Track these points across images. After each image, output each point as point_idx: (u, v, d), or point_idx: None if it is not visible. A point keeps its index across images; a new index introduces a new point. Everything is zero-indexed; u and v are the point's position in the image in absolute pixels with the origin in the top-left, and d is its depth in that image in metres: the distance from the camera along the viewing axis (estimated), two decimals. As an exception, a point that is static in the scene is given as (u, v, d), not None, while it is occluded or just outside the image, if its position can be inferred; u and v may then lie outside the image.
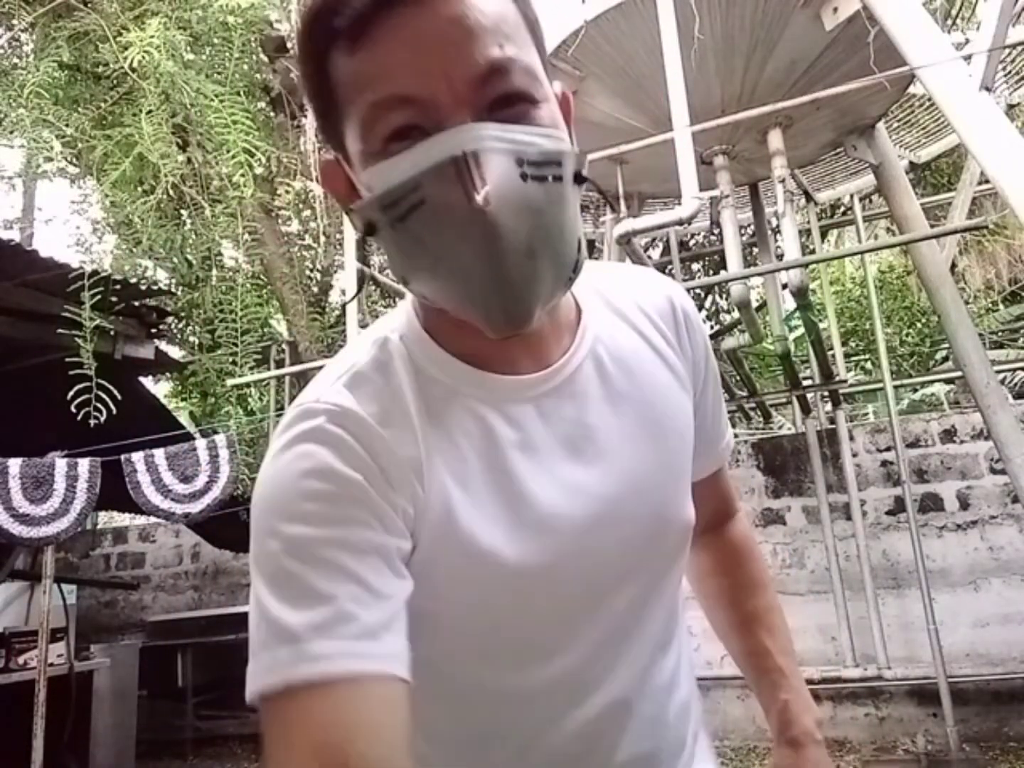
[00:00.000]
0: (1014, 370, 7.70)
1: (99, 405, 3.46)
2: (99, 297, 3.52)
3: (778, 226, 5.10)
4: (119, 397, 3.51)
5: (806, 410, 4.89)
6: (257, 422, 5.89)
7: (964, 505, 4.37)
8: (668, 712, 0.68)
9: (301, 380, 5.43)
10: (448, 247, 0.51)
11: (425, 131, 0.50)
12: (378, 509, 0.53)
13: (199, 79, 4.26)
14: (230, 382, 4.39)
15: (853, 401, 8.82)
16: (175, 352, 6.36)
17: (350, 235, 3.55)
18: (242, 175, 4.05)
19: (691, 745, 0.72)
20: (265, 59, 5.60)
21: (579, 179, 0.55)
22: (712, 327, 9.71)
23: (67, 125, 4.42)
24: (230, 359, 4.33)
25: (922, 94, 4.23)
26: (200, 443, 3.85)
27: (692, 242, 9.21)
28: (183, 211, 5.37)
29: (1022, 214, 2.49)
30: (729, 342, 4.64)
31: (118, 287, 3.70)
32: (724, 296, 9.84)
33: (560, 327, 0.64)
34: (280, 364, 5.68)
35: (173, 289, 5.75)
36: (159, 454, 3.72)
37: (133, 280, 3.95)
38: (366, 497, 0.53)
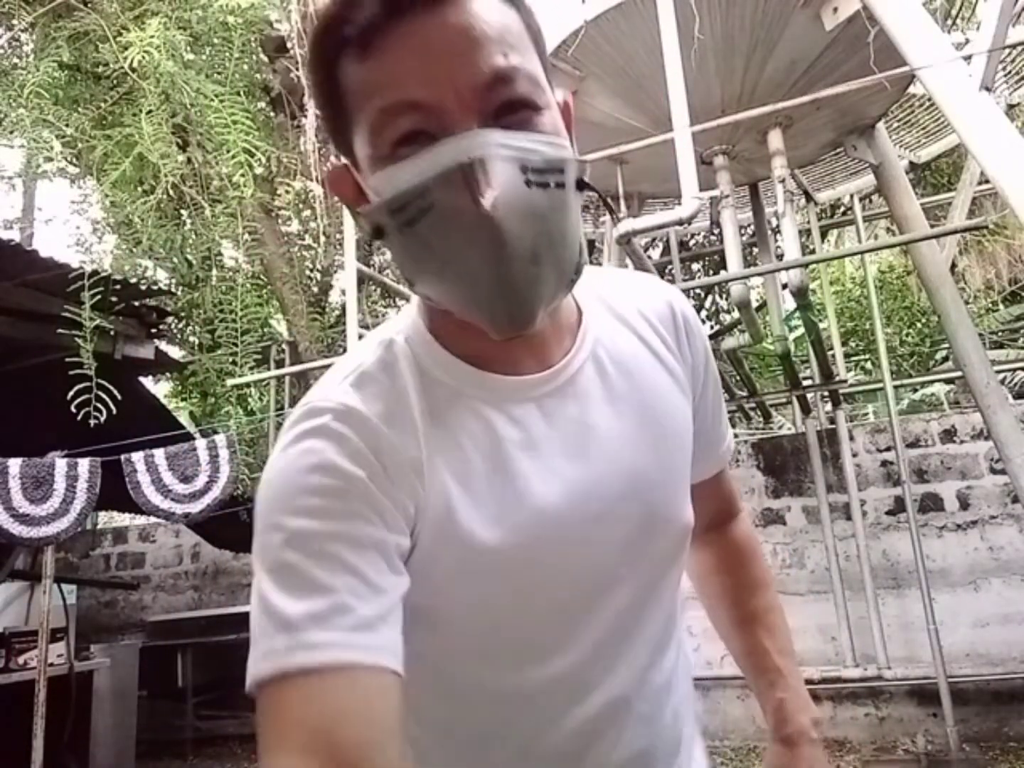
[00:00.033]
0: (1014, 370, 7.70)
1: (99, 405, 3.46)
2: (99, 297, 3.52)
3: (778, 226, 5.10)
4: (119, 397, 3.51)
5: (806, 410, 4.89)
6: (257, 422, 5.89)
7: (964, 505, 4.38)
8: (665, 712, 0.69)
9: (301, 380, 5.43)
10: (455, 251, 0.53)
11: (432, 136, 0.52)
12: (379, 506, 0.55)
13: (199, 79, 4.26)
14: (230, 382, 4.39)
15: (853, 401, 8.82)
16: (175, 352, 6.36)
17: (350, 235, 3.55)
18: (242, 175, 4.05)
19: (687, 746, 0.73)
20: (265, 59, 5.60)
21: (581, 185, 0.57)
22: (712, 327, 9.72)
23: (67, 125, 4.42)
24: (230, 359, 4.33)
25: (922, 94, 4.23)
26: (200, 443, 3.85)
27: (692, 242, 9.21)
28: (183, 211, 5.37)
29: (1022, 214, 2.49)
30: (729, 342, 4.65)
31: (118, 287, 3.69)
32: (724, 296, 9.85)
33: (561, 329, 0.65)
34: (280, 364, 5.68)
35: (173, 289, 5.76)
36: (159, 454, 3.72)
37: (133, 280, 3.95)
38: (368, 493, 0.54)
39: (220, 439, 3.87)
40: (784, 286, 5.07)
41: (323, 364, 4.36)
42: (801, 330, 6.89)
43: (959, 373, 4.43)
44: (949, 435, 4.52)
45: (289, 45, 5.02)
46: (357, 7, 0.52)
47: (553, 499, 0.60)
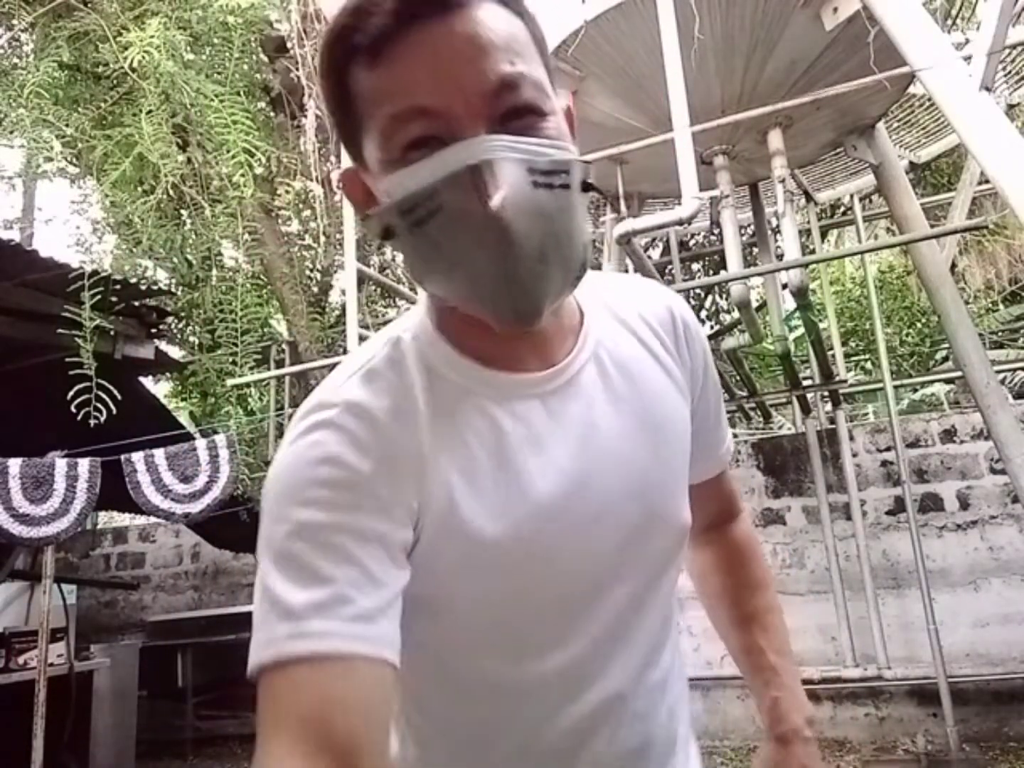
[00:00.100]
0: (1014, 370, 7.70)
1: (99, 405, 3.46)
2: (99, 297, 3.52)
3: (778, 226, 5.10)
4: (119, 397, 3.51)
5: (806, 410, 4.89)
6: (257, 422, 5.89)
7: (964, 505, 4.38)
8: (660, 711, 0.70)
9: (301, 380, 5.43)
10: (464, 250, 0.55)
11: (441, 141, 0.54)
12: (385, 499, 0.56)
13: (199, 79, 4.26)
14: (230, 382, 4.39)
15: (853, 401, 8.82)
16: (175, 352, 6.36)
17: (350, 235, 3.55)
18: (242, 175, 4.05)
19: (683, 746, 0.74)
20: (265, 59, 5.60)
21: (585, 187, 0.59)
22: (712, 327, 9.71)
23: (67, 125, 4.42)
24: (230, 359, 4.34)
25: (922, 94, 4.23)
26: (200, 443, 3.85)
27: (692, 242, 9.20)
28: (183, 211, 5.37)
29: (1022, 214, 2.49)
30: (729, 342, 4.64)
31: (118, 287, 3.69)
32: (724, 296, 9.84)
33: (564, 329, 0.67)
34: (280, 364, 5.68)
35: (173, 289, 5.75)
36: (159, 454, 3.72)
37: (133, 280, 3.95)
38: (374, 487, 0.56)
39: (220, 439, 3.87)
40: (784, 286, 5.07)
41: (323, 364, 4.36)
42: (801, 330, 6.89)
43: (959, 373, 4.43)
44: (949, 435, 4.52)
45: (289, 45, 5.01)
46: (368, 16, 0.54)
47: (556, 495, 0.61)
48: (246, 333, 4.32)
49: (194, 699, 5.12)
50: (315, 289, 6.84)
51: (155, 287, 4.17)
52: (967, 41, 3.59)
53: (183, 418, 7.78)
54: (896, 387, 6.03)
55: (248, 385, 7.14)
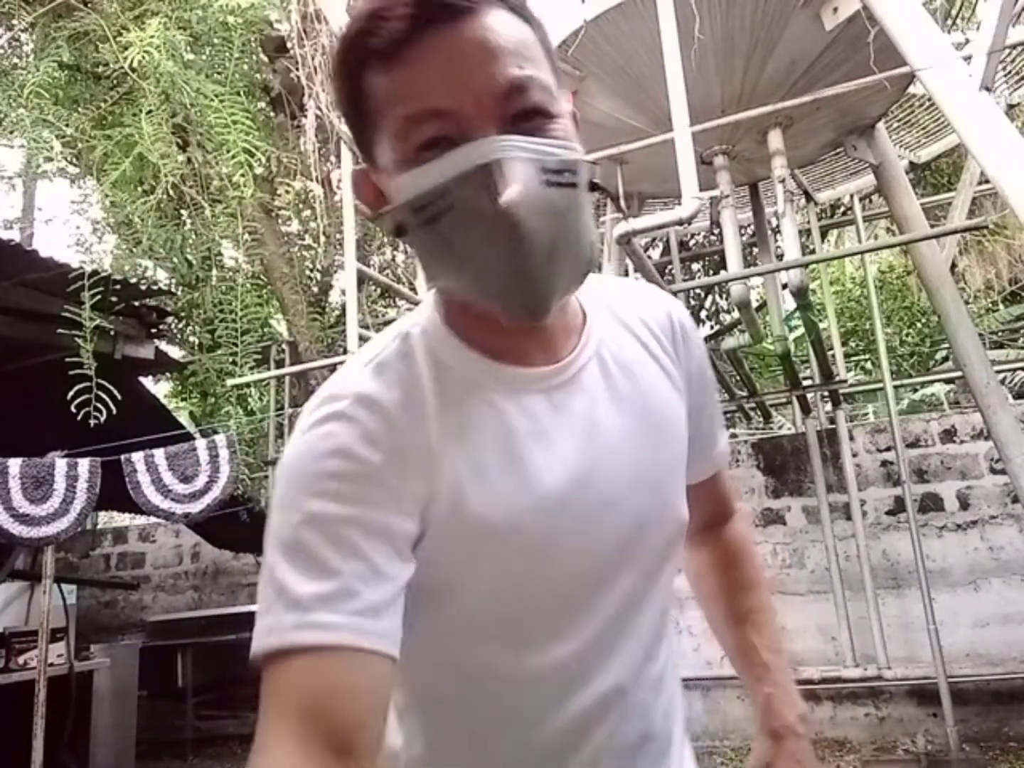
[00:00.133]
0: (1014, 370, 7.70)
1: (99, 405, 3.46)
2: (99, 297, 3.52)
3: (778, 226, 5.10)
4: (119, 397, 3.51)
5: (806, 410, 4.89)
6: (257, 422, 5.90)
7: (964, 505, 4.38)
8: (657, 708, 0.71)
9: (301, 380, 5.44)
10: (475, 246, 0.56)
11: (453, 142, 0.56)
12: (393, 492, 0.58)
13: (199, 79, 4.26)
14: (230, 382, 4.39)
15: (853, 401, 8.82)
16: (175, 352, 6.36)
17: (350, 235, 3.55)
18: (242, 175, 4.05)
19: (679, 746, 0.75)
20: (265, 59, 5.60)
21: (592, 187, 0.61)
22: (712, 327, 9.72)
23: (67, 125, 4.43)
24: (230, 359, 4.34)
25: (922, 94, 4.23)
26: (200, 443, 3.85)
27: (692, 242, 9.20)
28: (183, 211, 5.38)
29: (1022, 214, 2.49)
30: (729, 342, 4.64)
31: (118, 287, 3.69)
32: (724, 296, 9.84)
33: (568, 327, 0.69)
34: (280, 364, 5.68)
35: (173, 289, 5.76)
36: (159, 454, 3.72)
37: (133, 280, 3.95)
38: (383, 478, 0.57)
39: (220, 439, 3.87)
40: (784, 286, 5.07)
41: (323, 364, 4.37)
42: (801, 330, 6.89)
43: (959, 373, 4.43)
44: (949, 435, 4.52)
45: (289, 45, 5.01)
46: (383, 21, 0.55)
47: (561, 488, 0.62)
48: (246, 333, 4.32)
49: (194, 699, 5.12)
50: (315, 289, 6.85)
51: (155, 287, 4.17)
52: (967, 41, 3.59)
53: (183, 418, 7.78)
54: (896, 387, 6.03)
55: (248, 385, 7.14)
